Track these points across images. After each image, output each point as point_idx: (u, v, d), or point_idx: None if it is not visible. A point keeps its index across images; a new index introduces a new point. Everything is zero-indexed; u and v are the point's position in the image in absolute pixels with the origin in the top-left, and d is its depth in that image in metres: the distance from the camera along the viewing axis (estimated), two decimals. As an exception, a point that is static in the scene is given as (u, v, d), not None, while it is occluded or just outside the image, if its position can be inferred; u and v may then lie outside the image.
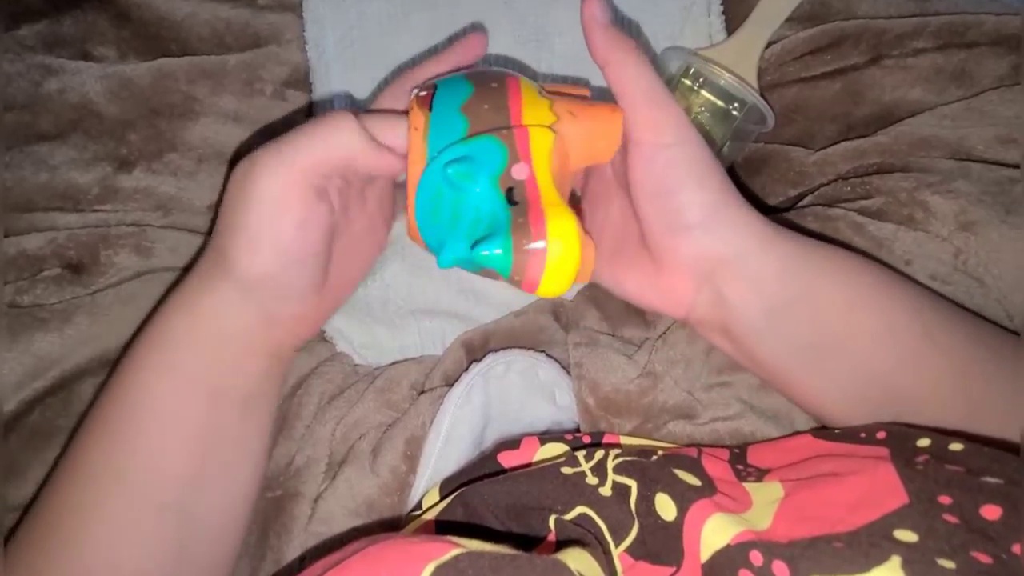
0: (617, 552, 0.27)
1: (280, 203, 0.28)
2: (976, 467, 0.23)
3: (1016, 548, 0.20)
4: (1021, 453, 0.24)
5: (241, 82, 0.41)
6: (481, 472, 0.33)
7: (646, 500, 0.27)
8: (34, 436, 0.32)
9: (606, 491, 0.28)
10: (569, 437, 0.34)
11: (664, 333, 0.34)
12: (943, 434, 0.25)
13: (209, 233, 0.39)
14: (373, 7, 0.43)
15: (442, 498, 0.33)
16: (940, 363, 0.28)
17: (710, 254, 0.29)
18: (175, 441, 0.29)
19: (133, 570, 0.28)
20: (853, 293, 0.29)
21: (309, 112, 0.44)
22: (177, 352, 0.30)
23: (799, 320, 0.29)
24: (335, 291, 0.33)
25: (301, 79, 0.43)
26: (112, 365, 0.33)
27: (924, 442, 0.26)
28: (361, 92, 0.43)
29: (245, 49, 0.41)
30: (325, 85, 0.43)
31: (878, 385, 0.29)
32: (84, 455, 0.30)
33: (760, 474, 0.29)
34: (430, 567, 0.21)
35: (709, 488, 0.27)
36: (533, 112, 0.29)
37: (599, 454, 0.30)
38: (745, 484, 0.28)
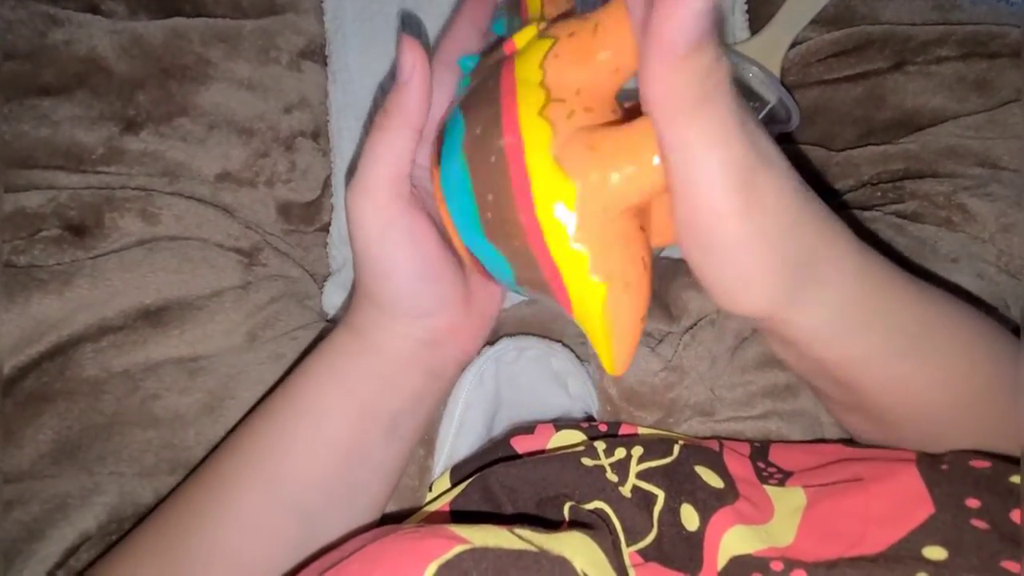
0: (628, 551, 0.26)
1: (380, 225, 0.27)
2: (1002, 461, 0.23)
3: None
4: (1021, 462, 0.24)
5: (257, 48, 0.39)
6: (494, 457, 0.32)
7: (672, 512, 0.26)
8: (30, 402, 0.30)
9: (626, 491, 0.28)
10: (585, 425, 0.33)
11: (692, 328, 0.34)
12: None
13: (215, 203, 0.37)
14: (394, -18, 0.42)
15: (453, 484, 0.32)
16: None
17: (786, 335, 0.25)
18: (323, 450, 0.29)
19: (250, 561, 0.28)
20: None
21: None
22: (343, 362, 0.30)
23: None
24: (484, 294, 0.32)
25: (317, 51, 0.42)
26: (111, 332, 0.32)
27: None
28: (376, 68, 0.42)
29: (262, 15, 0.40)
30: (342, 58, 0.42)
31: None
32: (238, 441, 0.30)
33: (783, 476, 0.29)
34: (432, 566, 0.20)
35: (731, 492, 0.26)
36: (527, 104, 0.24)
37: (620, 452, 0.29)
38: (767, 487, 0.28)
